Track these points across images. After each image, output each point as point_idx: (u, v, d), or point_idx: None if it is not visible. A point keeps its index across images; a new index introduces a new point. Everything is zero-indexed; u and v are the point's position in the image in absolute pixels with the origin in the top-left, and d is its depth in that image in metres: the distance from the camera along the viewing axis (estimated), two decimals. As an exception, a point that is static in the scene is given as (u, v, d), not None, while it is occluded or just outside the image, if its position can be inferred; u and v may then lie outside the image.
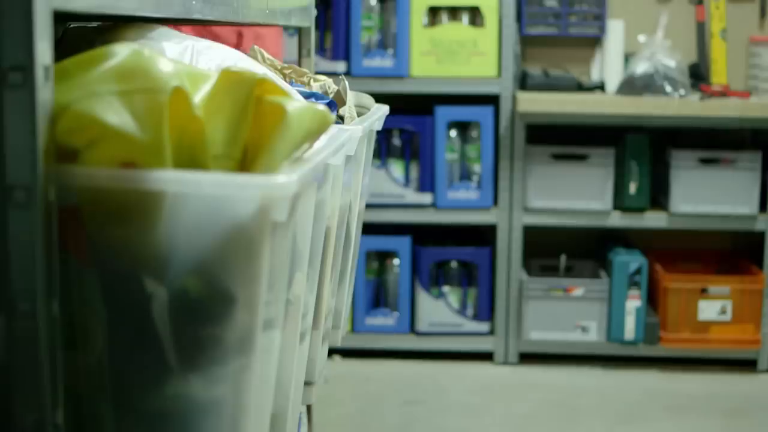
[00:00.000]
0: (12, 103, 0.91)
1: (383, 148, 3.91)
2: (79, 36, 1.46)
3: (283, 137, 0.99)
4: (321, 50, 3.90)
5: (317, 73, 2.00)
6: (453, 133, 3.93)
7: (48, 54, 0.92)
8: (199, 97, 1.02)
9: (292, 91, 1.35)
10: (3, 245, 0.92)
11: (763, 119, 3.76)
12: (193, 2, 1.39)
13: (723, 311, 3.82)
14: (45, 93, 0.92)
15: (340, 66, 3.88)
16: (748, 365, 3.89)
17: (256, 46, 1.83)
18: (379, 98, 2.12)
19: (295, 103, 1.02)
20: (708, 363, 3.91)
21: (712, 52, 3.96)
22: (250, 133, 1.01)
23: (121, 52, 0.99)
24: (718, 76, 3.93)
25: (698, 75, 3.94)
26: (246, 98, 1.01)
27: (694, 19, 4.05)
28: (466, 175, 3.93)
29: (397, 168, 3.91)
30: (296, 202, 1.06)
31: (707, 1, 4.00)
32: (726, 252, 4.17)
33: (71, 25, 1.56)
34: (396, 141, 3.93)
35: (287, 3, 2.13)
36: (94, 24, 1.55)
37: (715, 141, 4.00)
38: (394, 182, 3.90)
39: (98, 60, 0.99)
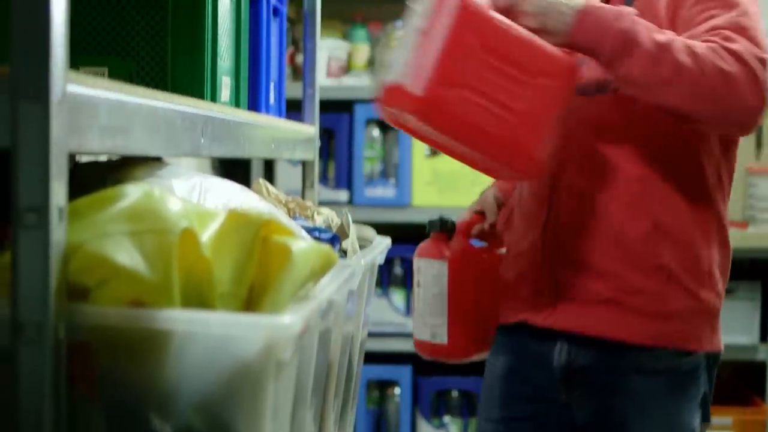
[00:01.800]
0: (26, 243, 0.93)
1: (384, 276, 3.93)
2: (90, 171, 1.50)
3: (289, 277, 1.02)
4: (324, 179, 3.96)
5: (320, 202, 2.04)
6: (454, 262, 3.95)
7: (63, 195, 0.95)
8: (206, 236, 1.05)
9: (297, 228, 1.38)
10: (13, 379, 0.93)
11: (762, 249, 3.79)
12: (202, 140, 1.44)
13: (726, 442, 3.79)
14: (58, 233, 0.95)
15: (343, 195, 3.93)
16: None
17: (261, 179, 1.88)
18: (381, 227, 2.16)
19: (300, 243, 1.05)
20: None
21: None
22: (256, 273, 1.04)
23: (132, 193, 1.02)
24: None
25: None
26: (252, 239, 1.04)
27: (691, 151, 4.12)
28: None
29: (398, 297, 3.93)
30: (300, 340, 1.09)
31: (703, 133, 4.07)
32: (726, 381, 4.16)
33: (82, 160, 1.61)
34: (397, 270, 3.96)
35: (292, 136, 2.19)
36: (104, 159, 1.59)
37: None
38: (395, 311, 3.91)
39: (110, 201, 1.02)
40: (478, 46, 1.68)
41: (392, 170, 3.96)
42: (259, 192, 1.77)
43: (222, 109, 1.60)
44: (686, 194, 1.85)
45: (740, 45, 1.70)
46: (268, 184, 1.83)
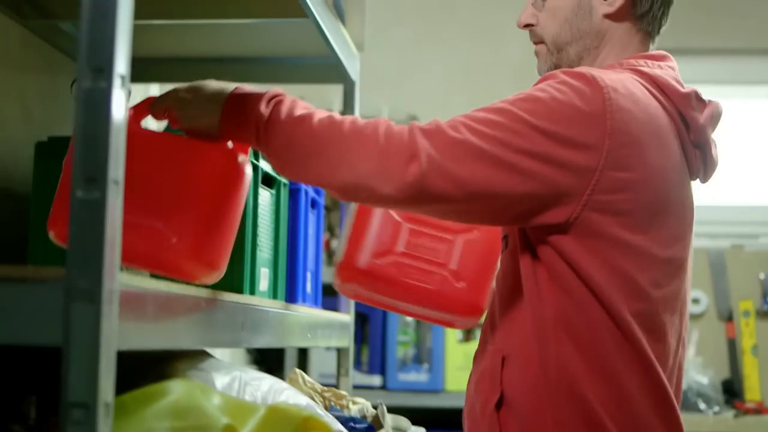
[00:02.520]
0: (74, 439, 0.96)
1: (418, 462, 3.89)
2: (134, 362, 1.53)
3: (327, 473, 1.04)
4: (357, 363, 3.97)
5: (354, 386, 2.05)
6: None
7: (110, 392, 0.98)
8: (247, 431, 1.08)
9: (335, 422, 1.40)
10: None
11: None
12: (242, 333, 1.48)
13: None
14: (105, 429, 0.97)
15: (376, 380, 3.93)
16: None
17: (297, 369, 1.91)
18: (415, 412, 2.17)
19: (338, 438, 1.08)
20: None
21: (744, 368, 4.00)
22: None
23: (176, 389, 1.06)
24: (752, 392, 3.95)
25: (732, 391, 3.95)
26: (292, 434, 1.06)
27: (725, 336, 4.12)
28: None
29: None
30: None
31: (737, 317, 4.07)
32: None
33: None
34: (431, 455, 3.92)
35: (327, 324, 2.22)
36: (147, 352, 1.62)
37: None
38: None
39: (154, 397, 1.05)
40: (394, 214, 1.85)
41: (425, 355, 3.97)
42: (295, 382, 1.79)
43: (261, 301, 1.65)
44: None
45: (422, 125, 1.51)
46: (304, 374, 1.86)
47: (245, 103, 1.53)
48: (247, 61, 2.56)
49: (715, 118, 1.70)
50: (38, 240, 1.47)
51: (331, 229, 4.06)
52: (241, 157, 1.51)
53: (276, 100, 1.54)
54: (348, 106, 2.57)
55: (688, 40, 4.23)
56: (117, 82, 0.98)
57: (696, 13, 4.33)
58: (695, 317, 4.19)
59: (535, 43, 1.78)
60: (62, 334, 0.96)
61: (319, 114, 1.53)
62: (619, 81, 1.56)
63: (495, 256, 1.82)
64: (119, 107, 0.99)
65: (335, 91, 4.35)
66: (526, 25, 1.78)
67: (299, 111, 1.53)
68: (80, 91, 0.98)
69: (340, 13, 2.30)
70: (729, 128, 4.13)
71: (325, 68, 2.49)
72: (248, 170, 1.52)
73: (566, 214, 1.51)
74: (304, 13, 1.93)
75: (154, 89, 3.16)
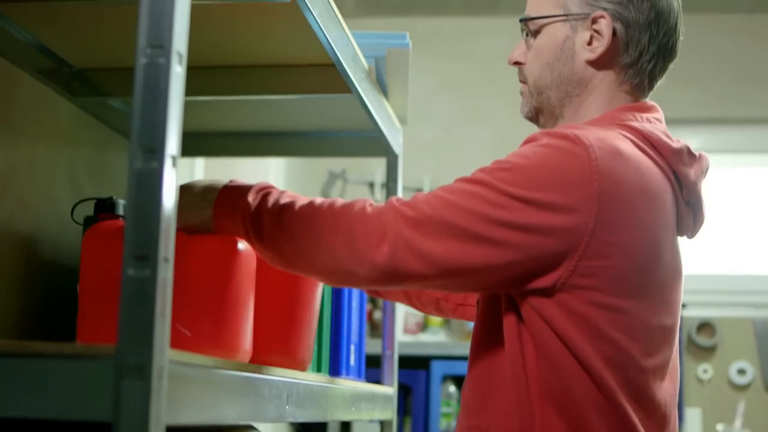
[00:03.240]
0: None
1: None
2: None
3: None
4: (400, 436, 3.96)
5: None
6: None
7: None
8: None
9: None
10: None
11: None
12: (287, 407, 1.48)
13: None
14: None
15: (420, 452, 3.91)
16: None
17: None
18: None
19: None
20: None
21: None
22: None
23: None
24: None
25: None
26: None
27: (773, 409, 4.07)
28: None
29: None
30: None
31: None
32: None
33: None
34: None
35: (371, 397, 2.22)
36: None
37: None
38: None
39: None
40: None
41: (469, 427, 3.94)
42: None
43: (305, 375, 1.65)
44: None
45: (398, 202, 1.48)
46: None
47: (235, 196, 1.51)
48: (293, 135, 2.59)
49: (704, 171, 1.64)
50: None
51: (373, 301, 4.07)
52: (242, 243, 1.52)
53: (264, 192, 1.53)
54: (391, 179, 2.60)
55: (725, 109, 4.24)
56: (168, 163, 1.01)
57: (734, 83, 4.35)
58: (741, 388, 4.13)
59: (521, 82, 1.74)
60: (112, 410, 0.97)
61: (301, 201, 1.51)
62: (607, 139, 1.49)
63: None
64: (170, 187, 1.01)
65: (379, 164, 4.39)
66: (515, 63, 1.73)
67: (284, 200, 1.51)
68: (132, 171, 1.00)
69: (383, 88, 2.33)
70: (773, 198, 4.12)
71: (369, 141, 2.52)
72: (248, 253, 1.53)
73: (553, 278, 1.45)
74: (349, 89, 1.96)
75: (200, 163, 3.21)
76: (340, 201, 1.51)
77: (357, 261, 1.45)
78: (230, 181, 1.55)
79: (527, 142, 1.53)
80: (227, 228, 1.51)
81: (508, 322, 1.53)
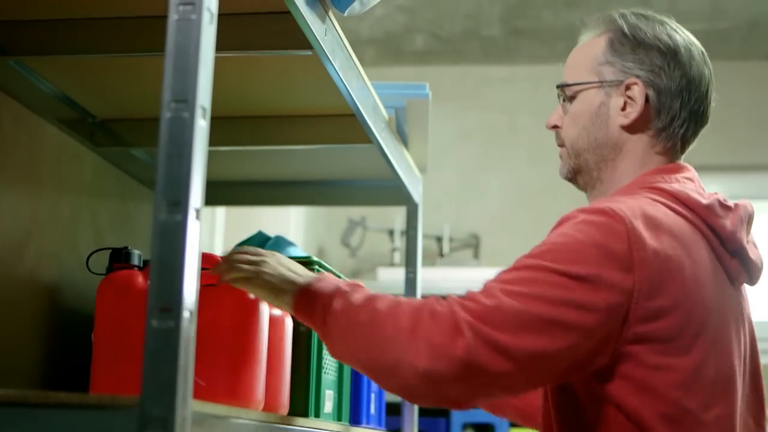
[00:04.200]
0: None
1: None
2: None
3: None
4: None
5: None
6: None
7: None
8: None
9: None
10: None
11: None
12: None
13: None
14: None
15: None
16: None
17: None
18: None
19: None
20: None
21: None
22: None
23: None
24: None
25: None
26: None
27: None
28: None
29: None
30: None
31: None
32: None
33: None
34: None
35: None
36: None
37: None
38: None
39: None
40: None
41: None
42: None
43: (326, 425, 1.66)
44: None
45: (459, 298, 1.48)
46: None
47: (315, 293, 1.52)
48: (314, 184, 2.61)
49: (746, 219, 1.65)
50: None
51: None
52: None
53: (343, 291, 1.52)
54: (411, 227, 2.60)
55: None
56: (192, 215, 1.02)
57: (752, 129, 4.33)
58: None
59: (559, 146, 1.77)
60: (135, 461, 0.98)
61: (367, 302, 1.50)
62: (638, 207, 1.52)
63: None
64: (193, 238, 1.02)
65: (399, 212, 4.41)
66: (554, 127, 1.77)
67: (358, 299, 1.50)
68: (157, 224, 1.02)
69: (403, 138, 2.34)
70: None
71: (389, 190, 2.53)
72: (261, 304, 1.54)
73: (610, 353, 1.47)
74: (369, 138, 1.98)
75: (221, 212, 3.22)
76: (404, 300, 1.50)
77: (435, 356, 1.41)
78: (314, 280, 1.55)
79: (563, 221, 1.55)
80: (305, 321, 1.53)
81: (576, 408, 1.55)
